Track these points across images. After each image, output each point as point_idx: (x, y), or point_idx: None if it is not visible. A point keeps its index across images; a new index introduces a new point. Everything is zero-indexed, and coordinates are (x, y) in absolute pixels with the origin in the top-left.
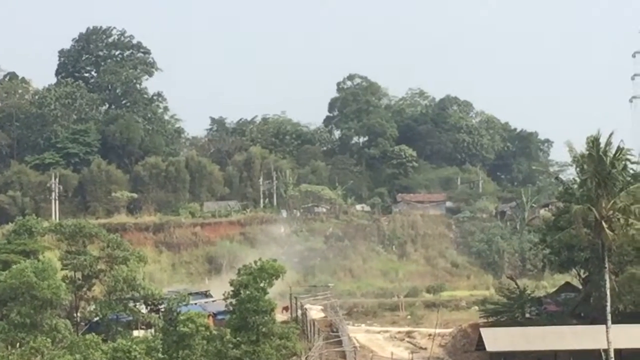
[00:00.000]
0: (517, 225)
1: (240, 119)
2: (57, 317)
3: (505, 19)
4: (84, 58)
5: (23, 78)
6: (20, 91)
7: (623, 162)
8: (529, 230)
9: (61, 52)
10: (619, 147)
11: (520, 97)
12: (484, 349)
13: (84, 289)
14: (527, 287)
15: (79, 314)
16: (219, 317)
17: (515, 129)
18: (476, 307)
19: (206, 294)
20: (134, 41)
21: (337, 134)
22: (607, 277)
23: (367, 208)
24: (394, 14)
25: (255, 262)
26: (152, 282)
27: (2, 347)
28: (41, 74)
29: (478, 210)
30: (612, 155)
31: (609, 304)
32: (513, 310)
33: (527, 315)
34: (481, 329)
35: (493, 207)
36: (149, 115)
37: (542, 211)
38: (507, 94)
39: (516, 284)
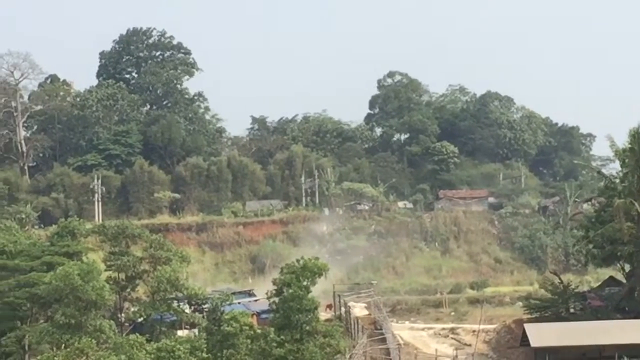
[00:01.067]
0: (560, 220)
1: (281, 118)
2: (102, 318)
3: (546, 14)
4: (124, 59)
5: (64, 80)
6: (61, 93)
7: None
8: (571, 227)
9: (102, 54)
10: None
11: (562, 91)
12: (529, 344)
13: (128, 290)
14: (570, 282)
15: (123, 315)
16: (263, 316)
17: (556, 124)
18: (520, 303)
19: (250, 293)
20: (174, 42)
21: (378, 131)
22: None
23: (409, 205)
24: (434, 11)
25: (298, 260)
26: (195, 282)
27: (48, 348)
28: (82, 76)
29: (520, 206)
30: None
31: None
32: (557, 306)
33: (572, 310)
34: (525, 325)
35: (535, 203)
36: (190, 116)
37: (585, 206)
38: (549, 89)
39: (560, 279)
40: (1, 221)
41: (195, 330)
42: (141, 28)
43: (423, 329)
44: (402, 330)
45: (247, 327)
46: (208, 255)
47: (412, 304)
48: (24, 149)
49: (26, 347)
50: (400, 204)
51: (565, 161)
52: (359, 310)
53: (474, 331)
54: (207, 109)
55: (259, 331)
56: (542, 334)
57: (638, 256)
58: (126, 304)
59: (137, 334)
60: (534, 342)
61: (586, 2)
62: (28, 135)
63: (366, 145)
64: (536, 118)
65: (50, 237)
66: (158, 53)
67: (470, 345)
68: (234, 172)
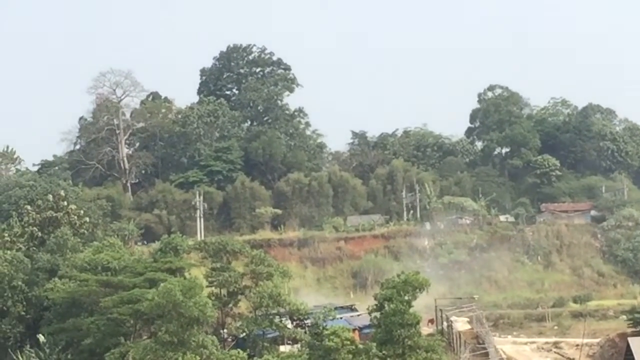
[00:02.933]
0: None
1: (382, 133)
2: (204, 333)
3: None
4: (225, 76)
5: (166, 98)
6: (163, 110)
7: None
8: None
9: (202, 71)
10: None
11: None
12: (633, 358)
13: (230, 306)
14: None
15: (225, 330)
16: (365, 331)
17: None
18: (624, 317)
19: (351, 308)
20: (274, 58)
21: (479, 145)
22: None
23: (511, 219)
24: (534, 25)
25: (399, 275)
26: (297, 297)
27: None
28: (183, 93)
29: (624, 219)
30: None
31: None
32: None
33: None
34: (629, 339)
35: (639, 215)
36: (291, 131)
37: None
38: None
39: None
40: (105, 238)
41: (298, 346)
42: (241, 44)
43: (526, 343)
44: (505, 345)
45: (348, 342)
46: (310, 271)
47: (515, 318)
48: (127, 166)
49: None
50: (502, 217)
51: None
52: (461, 324)
53: (577, 345)
54: (307, 124)
55: (360, 346)
56: None
57: None
58: (228, 320)
59: (240, 350)
60: (638, 356)
61: None
62: (130, 152)
63: (467, 159)
64: (639, 130)
65: (153, 254)
66: (258, 69)
67: (573, 359)
68: (334, 187)
